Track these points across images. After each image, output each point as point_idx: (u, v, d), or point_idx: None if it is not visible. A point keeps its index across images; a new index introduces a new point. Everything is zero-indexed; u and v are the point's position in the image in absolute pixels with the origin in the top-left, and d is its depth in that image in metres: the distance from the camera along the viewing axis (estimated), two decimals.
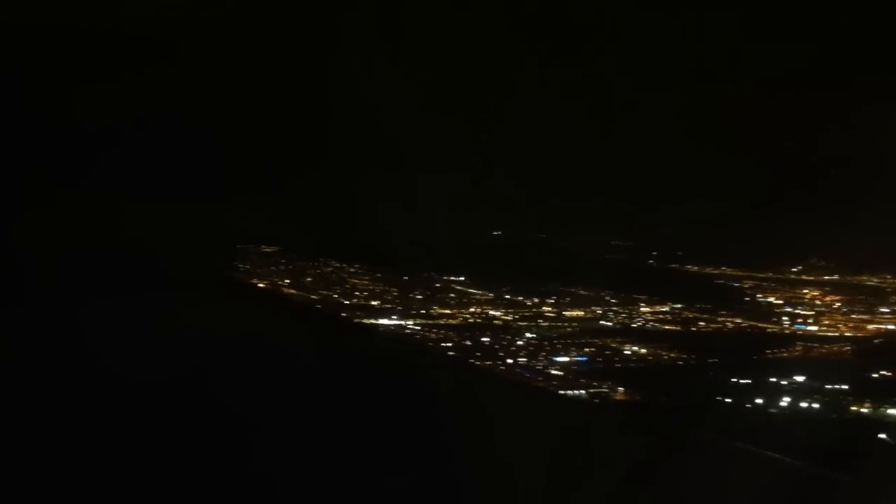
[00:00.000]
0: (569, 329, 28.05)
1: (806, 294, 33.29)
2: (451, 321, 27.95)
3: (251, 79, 29.12)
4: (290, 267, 30.61)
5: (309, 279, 30.24)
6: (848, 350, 26.77)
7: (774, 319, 30.27)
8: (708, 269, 36.60)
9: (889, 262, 33.97)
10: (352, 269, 31.57)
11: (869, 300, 32.51)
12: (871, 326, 29.51)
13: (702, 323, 29.91)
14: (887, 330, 29.09)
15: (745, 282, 34.87)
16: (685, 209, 37.80)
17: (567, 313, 30.00)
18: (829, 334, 28.99)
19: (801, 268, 35.52)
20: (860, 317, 30.78)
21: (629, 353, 25.92)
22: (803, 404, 22.29)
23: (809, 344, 27.55)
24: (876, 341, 27.29)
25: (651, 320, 29.91)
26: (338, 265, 31.86)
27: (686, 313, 30.75)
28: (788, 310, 31.66)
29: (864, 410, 21.96)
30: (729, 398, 22.35)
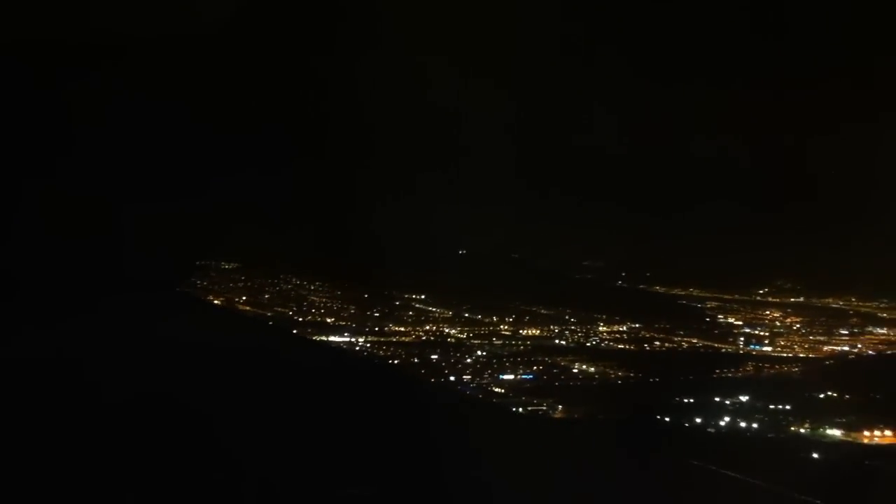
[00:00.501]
0: (522, 347, 28.05)
1: (767, 315, 33.37)
2: (403, 339, 27.99)
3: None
4: (249, 284, 30.62)
5: (267, 296, 30.26)
6: (797, 371, 26.76)
7: (731, 339, 30.32)
8: (676, 290, 36.68)
9: (856, 285, 34.09)
10: (313, 287, 31.57)
11: (829, 322, 32.59)
12: (826, 348, 29.57)
13: (657, 342, 29.96)
14: (841, 351, 29.12)
15: (709, 302, 34.96)
16: (658, 231, 37.94)
17: (524, 332, 30.05)
18: (783, 355, 29.03)
19: (767, 289, 35.62)
20: (817, 338, 30.83)
21: (577, 371, 25.92)
22: (742, 423, 22.24)
23: (761, 364, 27.56)
24: (827, 362, 27.29)
25: (607, 339, 29.94)
26: (299, 282, 31.84)
27: (643, 332, 30.81)
28: (747, 330, 31.74)
29: (803, 430, 21.91)
30: (669, 417, 22.28)
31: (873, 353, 28.77)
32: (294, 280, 31.89)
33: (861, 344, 29.99)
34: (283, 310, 29.86)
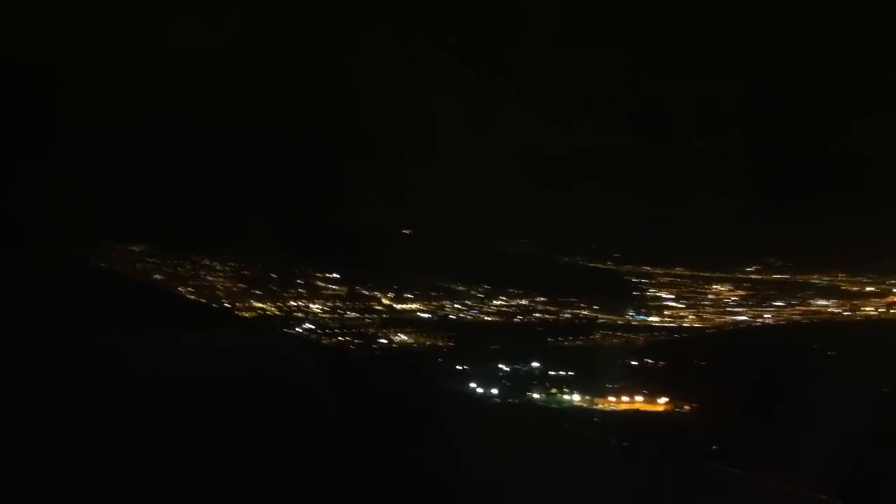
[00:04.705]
0: (367, 320, 26.62)
1: (712, 290, 30.12)
2: (259, 313, 27.37)
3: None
4: (148, 265, 30.77)
5: (158, 276, 30.32)
6: (640, 338, 23.73)
7: (621, 311, 27.43)
8: (658, 270, 33.84)
9: (850, 262, 30.61)
10: (219, 268, 31.36)
11: (774, 296, 29.18)
12: (720, 319, 26.13)
13: (537, 314, 27.57)
14: (734, 321, 25.60)
15: (660, 278, 31.94)
16: (661, 214, 35.37)
17: (399, 306, 28.54)
18: (665, 325, 25.90)
19: (754, 267, 32.40)
20: (734, 310, 27.45)
21: (385, 341, 24.22)
22: (480, 389, 19.91)
23: (612, 332, 24.68)
24: (684, 334, 23.99)
25: (488, 312, 27.92)
26: (209, 263, 31.68)
27: (537, 305, 28.48)
28: (670, 304, 28.74)
29: (538, 396, 19.34)
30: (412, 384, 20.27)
31: (770, 324, 25.03)
32: (204, 262, 31.74)
33: (773, 315, 26.28)
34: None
